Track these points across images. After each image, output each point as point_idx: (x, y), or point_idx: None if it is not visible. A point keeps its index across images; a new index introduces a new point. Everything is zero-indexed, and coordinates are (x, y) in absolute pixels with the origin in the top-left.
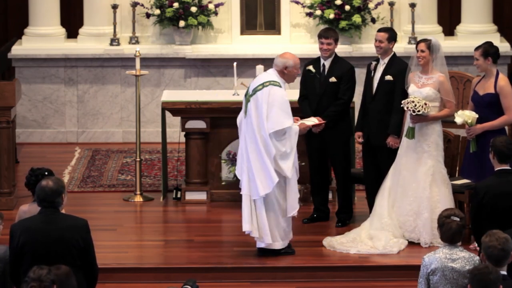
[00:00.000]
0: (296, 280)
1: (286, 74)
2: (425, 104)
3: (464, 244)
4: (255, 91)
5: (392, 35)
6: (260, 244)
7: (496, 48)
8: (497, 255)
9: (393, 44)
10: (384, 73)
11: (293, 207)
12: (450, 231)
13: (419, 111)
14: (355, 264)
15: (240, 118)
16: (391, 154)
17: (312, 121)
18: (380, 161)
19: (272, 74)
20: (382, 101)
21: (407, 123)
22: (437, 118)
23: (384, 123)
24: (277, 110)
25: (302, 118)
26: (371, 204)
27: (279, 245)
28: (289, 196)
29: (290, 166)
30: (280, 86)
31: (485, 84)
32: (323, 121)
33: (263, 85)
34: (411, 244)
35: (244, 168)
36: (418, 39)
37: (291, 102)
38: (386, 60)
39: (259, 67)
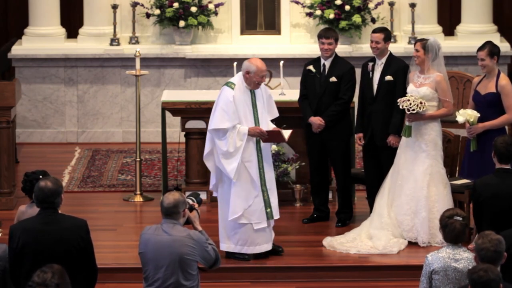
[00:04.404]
0: (296, 280)
1: (247, 78)
2: (421, 103)
3: (464, 244)
4: None
5: (387, 35)
6: None
7: (499, 48)
8: (490, 257)
9: (389, 44)
10: (384, 73)
11: (234, 212)
12: (454, 231)
13: (413, 109)
14: (355, 264)
15: None
16: (394, 154)
17: (286, 131)
18: (383, 162)
19: (236, 76)
20: (384, 102)
21: (405, 121)
22: (434, 117)
23: (388, 123)
24: (218, 109)
25: (301, 118)
26: (371, 204)
27: (224, 246)
28: (232, 199)
29: (234, 167)
30: (232, 88)
31: (487, 83)
32: (290, 131)
33: (223, 85)
34: (411, 244)
35: None
36: (419, 38)
37: (291, 102)
38: (384, 60)
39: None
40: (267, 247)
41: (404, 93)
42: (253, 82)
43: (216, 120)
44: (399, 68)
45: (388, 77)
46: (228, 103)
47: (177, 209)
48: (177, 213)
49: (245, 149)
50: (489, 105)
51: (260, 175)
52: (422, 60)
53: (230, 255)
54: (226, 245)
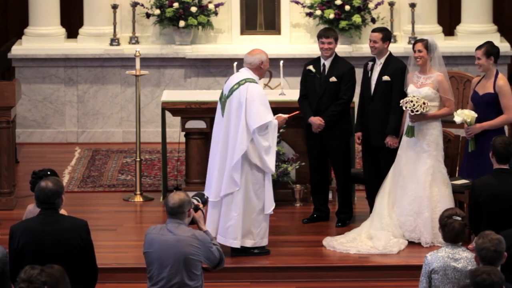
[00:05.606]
0: (296, 280)
1: (261, 69)
2: (424, 103)
3: (463, 243)
4: (231, 91)
5: (386, 35)
6: (231, 244)
7: (498, 48)
8: (491, 256)
9: (388, 44)
10: (381, 73)
11: (271, 205)
12: (453, 231)
13: (417, 110)
14: (355, 264)
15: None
16: (391, 155)
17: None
18: (381, 162)
19: (245, 73)
20: (380, 102)
21: (407, 122)
22: (436, 117)
23: (384, 123)
24: (257, 105)
25: (301, 118)
26: (371, 204)
27: (250, 243)
28: (267, 193)
29: (273, 161)
30: (256, 82)
31: (485, 84)
32: (297, 112)
33: (239, 83)
34: (411, 244)
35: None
36: (418, 39)
37: (291, 102)
38: (382, 60)
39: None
40: None
41: (401, 94)
42: (265, 71)
43: (261, 116)
44: (397, 69)
45: (385, 78)
46: (264, 96)
47: (182, 209)
48: (182, 213)
49: None
50: (487, 105)
51: None
52: (425, 60)
53: (251, 252)
54: (252, 241)
